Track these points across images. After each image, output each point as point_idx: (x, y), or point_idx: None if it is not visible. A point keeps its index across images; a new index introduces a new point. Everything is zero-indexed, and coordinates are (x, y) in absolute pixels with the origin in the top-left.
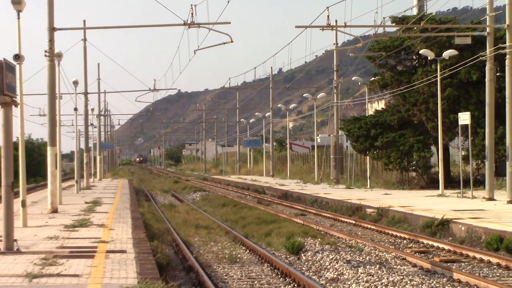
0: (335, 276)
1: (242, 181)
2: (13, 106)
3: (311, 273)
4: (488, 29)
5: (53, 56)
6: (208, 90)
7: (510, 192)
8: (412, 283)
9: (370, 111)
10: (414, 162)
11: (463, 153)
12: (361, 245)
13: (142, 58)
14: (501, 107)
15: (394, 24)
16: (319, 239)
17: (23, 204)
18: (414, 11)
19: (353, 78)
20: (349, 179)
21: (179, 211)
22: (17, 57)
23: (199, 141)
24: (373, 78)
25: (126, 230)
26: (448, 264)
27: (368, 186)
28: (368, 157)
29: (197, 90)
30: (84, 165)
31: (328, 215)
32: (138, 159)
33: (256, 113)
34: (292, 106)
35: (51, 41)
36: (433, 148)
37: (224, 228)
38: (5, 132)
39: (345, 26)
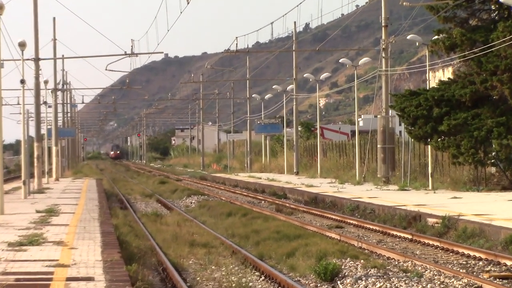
0: None
1: (254, 180)
2: None
3: None
4: None
5: None
6: (207, 54)
7: None
8: None
9: (432, 83)
10: (493, 154)
11: None
12: (420, 268)
13: (115, 11)
14: None
15: None
16: (362, 261)
17: None
18: None
19: (408, 37)
20: (403, 177)
21: (167, 223)
22: None
23: (195, 126)
24: (436, 37)
25: (93, 249)
26: None
27: (430, 187)
28: (429, 146)
29: (191, 55)
30: (35, 160)
31: (374, 227)
32: (112, 152)
33: (273, 86)
34: (324, 76)
35: None
36: None
37: (229, 246)
38: None
39: None
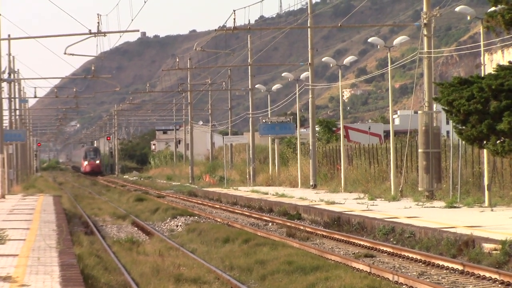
0: None
1: (259, 196)
2: None
3: None
4: None
5: None
6: (196, 32)
7: None
8: None
9: (489, 68)
10: None
11: None
12: None
13: None
14: None
15: None
16: None
17: None
18: None
19: (457, 9)
20: (451, 190)
21: (145, 253)
22: None
23: (181, 126)
24: (493, 9)
25: (50, 286)
26: None
27: (486, 203)
28: (485, 150)
29: (176, 34)
30: None
31: (414, 256)
32: (87, 163)
33: (283, 74)
34: (348, 60)
35: None
36: None
37: (227, 282)
38: None
39: None
